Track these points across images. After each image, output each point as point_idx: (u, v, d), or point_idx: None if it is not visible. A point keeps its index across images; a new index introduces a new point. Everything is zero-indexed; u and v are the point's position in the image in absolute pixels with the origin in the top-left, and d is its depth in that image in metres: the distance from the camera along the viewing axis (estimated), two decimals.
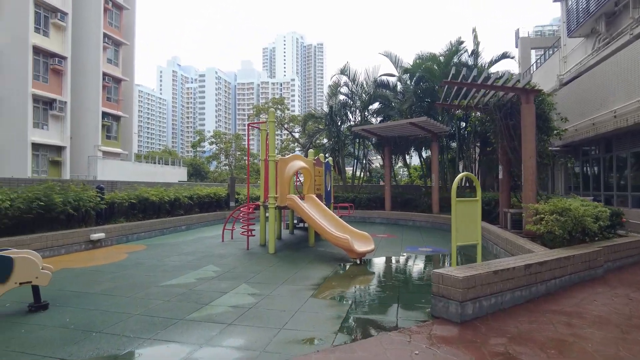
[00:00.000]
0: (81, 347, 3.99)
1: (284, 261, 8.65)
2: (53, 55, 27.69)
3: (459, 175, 5.95)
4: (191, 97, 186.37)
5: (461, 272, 4.82)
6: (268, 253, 9.59)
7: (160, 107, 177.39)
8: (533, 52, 29.40)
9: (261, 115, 50.25)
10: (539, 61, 25.35)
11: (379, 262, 8.77)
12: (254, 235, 10.84)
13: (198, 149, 60.08)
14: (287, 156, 10.55)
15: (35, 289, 5.08)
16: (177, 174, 38.84)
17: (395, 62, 22.01)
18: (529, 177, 9.22)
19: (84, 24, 30.80)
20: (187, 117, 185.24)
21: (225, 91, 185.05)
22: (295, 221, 14.21)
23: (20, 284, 4.91)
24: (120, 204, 11.81)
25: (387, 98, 22.10)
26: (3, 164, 24.95)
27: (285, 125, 43.58)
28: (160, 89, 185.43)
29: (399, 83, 22.38)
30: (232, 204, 18.17)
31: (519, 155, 10.25)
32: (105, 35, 32.03)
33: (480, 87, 10.25)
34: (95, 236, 9.98)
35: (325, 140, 26.75)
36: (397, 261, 9.00)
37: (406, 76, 21.81)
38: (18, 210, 8.41)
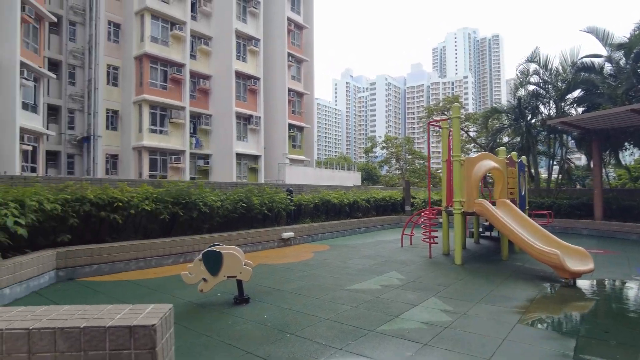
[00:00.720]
0: (277, 348, 3.99)
1: (475, 275, 7.64)
2: (250, 77, 32.17)
3: None
4: (363, 106, 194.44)
5: None
6: (454, 264, 8.69)
7: (335, 117, 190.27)
8: None
9: (433, 116, 48.51)
10: None
11: (600, 286, 6.97)
12: (437, 243, 10.05)
13: (370, 154, 61.71)
14: (474, 155, 9.46)
15: (239, 283, 5.48)
16: (352, 179, 40.45)
17: (604, 38, 18.03)
18: None
19: (271, 47, 34.90)
20: (359, 125, 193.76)
21: (395, 96, 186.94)
22: (481, 229, 12.80)
23: (228, 277, 5.35)
24: (307, 206, 12.59)
25: (592, 83, 18.25)
26: (216, 171, 30.11)
27: (461, 125, 40.92)
28: (335, 101, 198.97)
29: (607, 64, 18.27)
30: (407, 208, 17.65)
31: None
32: (289, 54, 35.61)
33: None
34: (286, 235, 10.77)
35: (506, 139, 23.84)
36: (628, 286, 6.99)
37: (619, 54, 17.62)
38: (226, 210, 9.65)
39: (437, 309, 5.34)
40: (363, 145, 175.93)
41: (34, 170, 20.62)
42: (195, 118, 30.24)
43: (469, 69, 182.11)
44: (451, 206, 9.59)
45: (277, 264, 8.53)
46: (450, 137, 9.81)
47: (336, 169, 42.54)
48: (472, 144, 38.93)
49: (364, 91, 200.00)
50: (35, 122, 20.49)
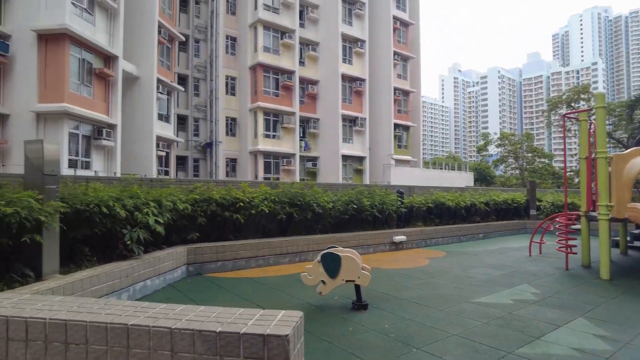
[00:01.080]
0: None
1: (632, 294, 6.39)
2: (355, 79, 32.26)
3: None
4: (472, 101, 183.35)
5: None
6: (599, 278, 7.42)
7: (442, 115, 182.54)
8: None
9: (557, 109, 43.45)
10: None
11: None
12: (575, 253, 8.73)
13: (483, 152, 57.51)
14: (624, 151, 8.00)
15: (358, 288, 5.29)
16: (463, 179, 38.12)
17: None
18: None
19: (377, 46, 34.53)
20: (469, 122, 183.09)
21: (509, 89, 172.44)
22: (628, 238, 10.86)
23: (346, 281, 5.19)
24: (419, 208, 12.01)
25: None
26: (323, 172, 30.81)
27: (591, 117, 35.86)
28: (442, 97, 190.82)
29: None
30: (532, 212, 15.84)
31: None
32: (394, 53, 34.90)
33: None
34: (398, 238, 10.37)
35: None
36: None
37: None
38: (337, 212, 9.61)
39: (589, 334, 4.51)
40: (474, 144, 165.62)
41: (166, 173, 23.30)
42: (304, 122, 31.31)
43: (598, 54, 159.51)
44: (593, 211, 8.25)
45: (391, 269, 8.19)
46: (592, 131, 8.46)
47: (445, 168, 40.51)
48: (608, 138, 33.88)
49: (473, 86, 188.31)
50: (168, 130, 23.12)
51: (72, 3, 16.23)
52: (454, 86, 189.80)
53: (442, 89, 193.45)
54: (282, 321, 2.48)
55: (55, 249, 5.06)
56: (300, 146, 30.12)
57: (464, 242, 12.61)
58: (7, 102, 16.30)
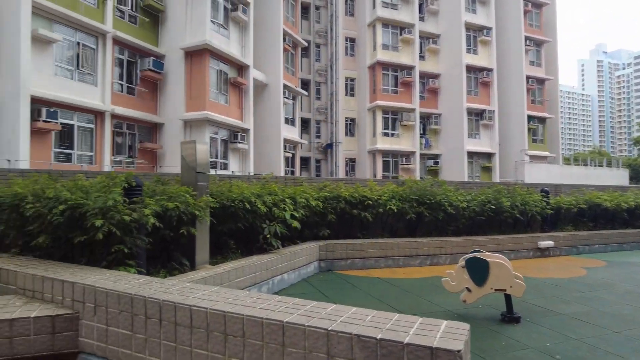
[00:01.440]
0: None
1: None
2: (481, 69, 29.93)
3: None
4: (622, 86, 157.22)
5: None
6: None
7: (583, 104, 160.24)
8: None
9: None
10: None
11: None
12: None
13: None
14: None
15: (508, 298, 4.67)
16: (614, 177, 32.69)
17: None
18: None
19: (505, 33, 31.50)
20: (618, 110, 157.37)
21: None
22: None
23: (495, 290, 4.62)
24: (567, 210, 10.45)
25: None
26: (446, 170, 29.23)
27: None
28: (582, 85, 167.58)
29: None
30: None
31: None
32: (526, 38, 31.54)
33: None
34: (544, 244, 9.14)
35: None
36: None
37: None
38: (472, 212, 8.84)
39: None
40: (625, 136, 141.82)
41: (292, 173, 24.49)
42: (425, 118, 30.12)
43: None
44: None
45: (540, 279, 7.19)
46: None
47: (591, 165, 35.19)
48: None
49: (624, 68, 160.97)
50: (293, 133, 24.29)
51: (212, 21, 18.05)
52: (598, 71, 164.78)
53: (582, 75, 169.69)
54: (448, 333, 2.18)
55: (206, 241, 5.50)
56: (421, 144, 29.02)
57: (627, 250, 10.62)
58: (162, 112, 18.83)
